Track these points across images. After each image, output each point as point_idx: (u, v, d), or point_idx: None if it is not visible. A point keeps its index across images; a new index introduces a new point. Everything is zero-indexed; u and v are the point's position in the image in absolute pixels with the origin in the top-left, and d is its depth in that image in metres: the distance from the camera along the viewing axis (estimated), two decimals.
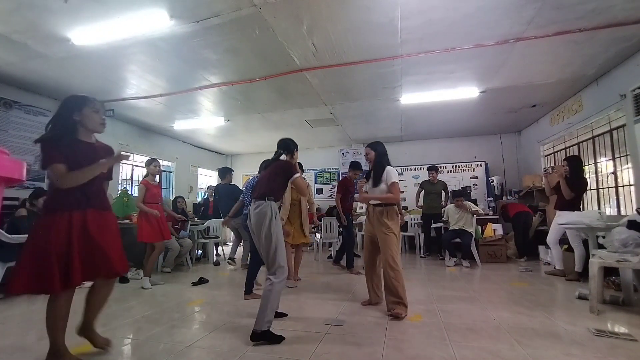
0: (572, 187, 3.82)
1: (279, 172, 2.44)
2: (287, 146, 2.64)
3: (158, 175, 4.10)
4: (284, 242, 2.29)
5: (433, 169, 5.77)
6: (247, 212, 2.68)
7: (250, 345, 2.03)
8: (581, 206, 4.07)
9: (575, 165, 3.95)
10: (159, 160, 4.11)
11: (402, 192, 4.80)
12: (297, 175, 2.43)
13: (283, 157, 2.58)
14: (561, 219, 3.83)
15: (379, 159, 2.81)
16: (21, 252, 1.69)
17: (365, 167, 6.43)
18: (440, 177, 5.90)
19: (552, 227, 4.11)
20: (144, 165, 6.04)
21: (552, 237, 4.09)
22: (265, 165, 2.71)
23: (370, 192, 2.83)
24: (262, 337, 2.06)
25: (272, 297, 2.11)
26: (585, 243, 3.72)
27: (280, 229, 2.28)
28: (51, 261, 1.63)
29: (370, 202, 2.86)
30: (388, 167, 2.75)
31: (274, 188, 2.38)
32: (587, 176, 4.72)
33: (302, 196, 2.51)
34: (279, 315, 2.51)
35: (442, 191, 5.84)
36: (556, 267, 4.10)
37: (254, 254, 3.16)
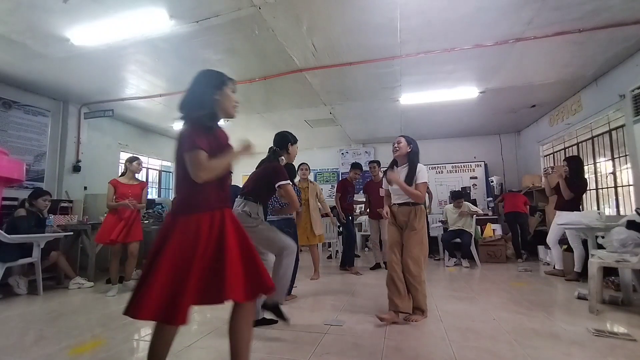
0: (571, 188, 3.82)
1: (265, 175, 2.39)
2: (280, 141, 2.53)
3: (139, 174, 3.84)
4: (273, 228, 2.36)
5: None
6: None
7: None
8: (581, 206, 4.07)
9: (575, 165, 3.95)
10: (140, 159, 3.89)
11: None
12: (283, 182, 2.31)
13: (282, 158, 2.50)
14: (561, 219, 3.84)
15: (414, 156, 2.62)
16: (152, 265, 1.28)
17: (365, 168, 6.46)
18: (440, 177, 5.90)
19: (552, 227, 4.12)
20: (144, 165, 6.01)
21: (552, 237, 4.10)
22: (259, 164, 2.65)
23: (395, 188, 2.59)
24: (273, 308, 2.17)
25: (282, 271, 2.26)
26: (584, 243, 3.72)
27: (261, 226, 2.30)
28: (190, 284, 1.24)
29: (395, 202, 2.65)
30: (420, 165, 2.58)
31: (256, 189, 2.37)
32: (586, 176, 4.74)
33: (292, 206, 2.43)
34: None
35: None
36: (556, 267, 4.11)
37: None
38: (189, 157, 1.33)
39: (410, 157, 2.62)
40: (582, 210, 4.19)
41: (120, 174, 3.88)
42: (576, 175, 3.91)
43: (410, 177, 2.55)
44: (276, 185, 2.31)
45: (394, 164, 2.74)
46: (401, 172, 2.61)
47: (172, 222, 1.34)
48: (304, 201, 4.06)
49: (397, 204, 2.64)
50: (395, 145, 2.67)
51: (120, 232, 3.51)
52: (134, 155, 4.05)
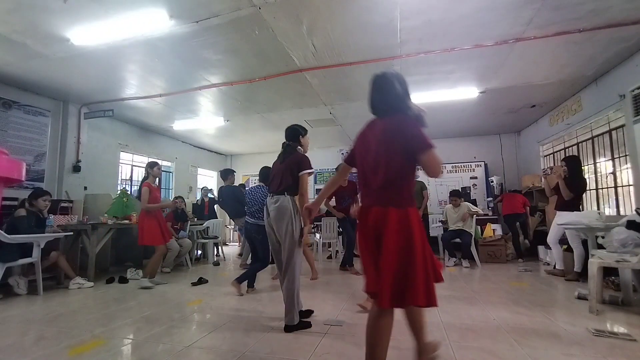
0: (570, 188, 3.82)
1: (294, 166, 2.42)
2: (293, 135, 2.58)
3: (158, 178, 4.12)
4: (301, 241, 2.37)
5: None
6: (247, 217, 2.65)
7: (249, 345, 2.03)
8: (581, 206, 4.07)
9: (573, 165, 3.95)
10: (159, 163, 4.13)
11: None
12: (306, 171, 2.39)
13: (299, 148, 2.56)
14: (560, 219, 3.84)
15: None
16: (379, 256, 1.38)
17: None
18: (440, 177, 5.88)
19: (552, 227, 4.12)
20: (143, 166, 6.03)
21: (552, 237, 4.10)
22: (280, 161, 2.60)
23: None
24: (297, 328, 2.29)
25: (293, 292, 2.30)
26: (584, 243, 3.73)
27: (299, 224, 2.35)
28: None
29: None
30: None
31: (290, 182, 2.39)
32: (586, 176, 4.74)
33: (301, 197, 2.43)
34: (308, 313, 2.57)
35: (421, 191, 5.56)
36: (556, 267, 4.11)
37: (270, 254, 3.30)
38: (429, 155, 1.40)
39: None
40: (582, 210, 4.20)
41: (143, 179, 4.03)
42: (575, 175, 3.90)
43: None
44: (300, 174, 2.38)
45: None
46: None
47: (381, 214, 1.39)
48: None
49: None
50: None
51: (169, 232, 3.99)
52: (154, 160, 4.28)
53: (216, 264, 5.56)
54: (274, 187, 2.46)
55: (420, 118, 1.52)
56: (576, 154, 5.03)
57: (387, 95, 1.57)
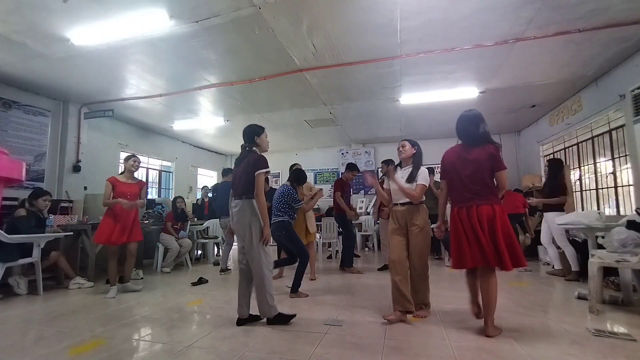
0: (552, 190, 3.93)
1: (251, 167, 2.38)
2: (249, 135, 2.52)
3: (135, 173, 3.77)
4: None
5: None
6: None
7: (249, 345, 2.04)
8: (580, 206, 4.08)
9: (554, 167, 4.05)
10: (137, 157, 3.80)
11: None
12: (261, 171, 2.34)
13: (254, 149, 2.50)
14: (560, 219, 3.84)
15: (418, 157, 2.69)
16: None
17: (364, 167, 6.44)
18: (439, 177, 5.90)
19: (543, 228, 4.16)
20: (143, 166, 6.02)
21: (545, 237, 4.14)
22: (236, 163, 2.60)
23: (396, 187, 2.67)
24: (277, 319, 2.38)
25: (267, 290, 2.36)
26: (574, 242, 3.84)
27: (259, 228, 2.36)
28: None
29: (397, 202, 2.66)
30: (422, 168, 2.64)
31: (248, 185, 2.36)
32: (574, 177, 4.84)
33: (257, 195, 2.36)
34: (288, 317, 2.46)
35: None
36: (555, 267, 4.11)
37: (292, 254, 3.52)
38: (504, 174, 2.22)
39: (415, 159, 2.69)
40: (568, 211, 4.28)
41: (120, 173, 3.85)
42: (554, 176, 4.01)
43: (412, 178, 2.60)
44: (255, 173, 2.34)
45: (399, 165, 2.81)
46: (405, 173, 2.67)
47: (492, 209, 2.15)
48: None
49: (399, 203, 2.65)
50: (400, 148, 2.73)
51: (120, 233, 3.48)
52: (131, 153, 3.94)
53: (216, 263, 5.56)
54: (235, 192, 2.46)
55: (499, 147, 2.30)
56: (558, 157, 4.99)
57: (477, 135, 2.29)
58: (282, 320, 2.41)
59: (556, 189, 3.94)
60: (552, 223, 3.87)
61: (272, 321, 2.39)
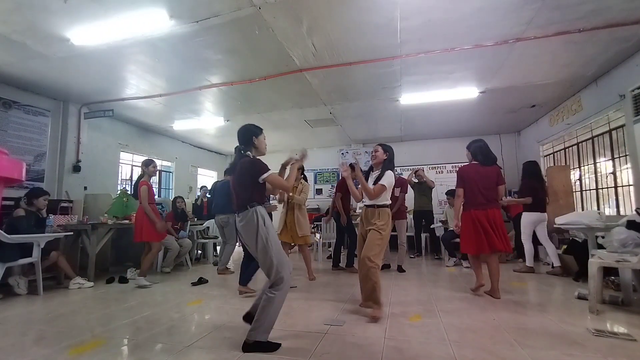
0: (523, 191, 4.25)
1: (245, 174, 2.10)
2: (245, 136, 2.20)
3: (135, 173, 4.08)
4: (281, 249, 2.08)
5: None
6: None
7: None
8: (580, 206, 4.09)
9: (527, 168, 4.41)
10: (155, 161, 4.09)
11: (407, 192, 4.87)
12: (267, 173, 2.07)
13: (248, 153, 2.18)
14: (559, 219, 3.85)
15: (388, 164, 2.79)
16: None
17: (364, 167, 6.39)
18: (440, 177, 5.95)
19: (522, 226, 4.35)
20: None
21: (524, 235, 4.33)
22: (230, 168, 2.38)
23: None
24: (255, 347, 1.91)
25: (272, 308, 1.94)
26: (579, 242, 3.88)
27: (273, 235, 2.07)
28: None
29: (364, 204, 2.85)
30: (388, 172, 2.74)
31: (249, 193, 2.08)
32: (573, 177, 5.14)
33: (285, 191, 2.15)
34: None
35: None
36: (528, 264, 4.28)
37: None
38: (503, 187, 3.18)
39: (384, 163, 2.81)
40: (568, 211, 4.55)
41: (140, 176, 4.00)
42: (523, 177, 4.40)
43: (378, 179, 2.74)
44: (261, 180, 2.07)
45: (368, 172, 2.94)
46: (375, 176, 2.82)
47: (490, 211, 3.08)
48: (291, 200, 4.03)
49: (365, 205, 2.82)
50: (373, 153, 2.87)
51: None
52: (149, 158, 4.10)
53: (216, 264, 5.56)
54: (236, 206, 2.14)
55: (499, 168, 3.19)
56: (533, 160, 4.99)
57: (491, 156, 3.23)
58: (264, 348, 1.93)
59: (523, 190, 4.32)
60: (523, 221, 4.29)
61: (249, 347, 1.92)
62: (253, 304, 2.21)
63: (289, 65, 4.09)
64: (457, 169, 3.48)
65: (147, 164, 3.97)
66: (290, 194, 3.91)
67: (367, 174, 2.93)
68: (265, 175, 2.07)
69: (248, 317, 2.15)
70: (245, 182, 2.10)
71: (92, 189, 5.49)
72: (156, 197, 7.13)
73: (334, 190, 4.92)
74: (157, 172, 4.13)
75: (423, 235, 6.01)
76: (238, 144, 2.22)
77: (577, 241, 3.98)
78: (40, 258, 3.51)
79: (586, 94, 4.82)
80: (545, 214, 4.20)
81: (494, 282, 3.06)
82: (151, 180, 4.05)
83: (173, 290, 3.69)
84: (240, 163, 2.15)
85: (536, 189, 4.20)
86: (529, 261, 4.26)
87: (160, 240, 3.94)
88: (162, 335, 2.25)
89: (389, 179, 2.69)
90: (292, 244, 4.13)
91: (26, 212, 3.69)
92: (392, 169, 2.79)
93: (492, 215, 3.04)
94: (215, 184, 5.56)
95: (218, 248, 6.47)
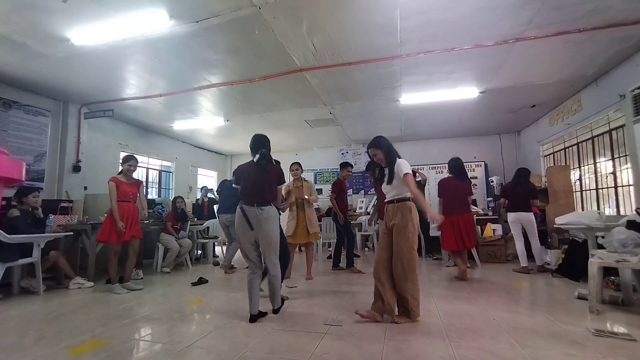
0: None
1: (275, 178, 2.69)
2: (266, 145, 2.72)
3: (135, 173, 3.87)
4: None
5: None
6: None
7: (249, 345, 2.04)
8: (580, 206, 4.09)
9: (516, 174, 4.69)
10: (136, 159, 3.86)
11: None
12: (284, 185, 2.79)
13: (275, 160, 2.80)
14: (559, 219, 3.86)
15: (388, 155, 2.56)
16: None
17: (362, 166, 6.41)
18: (440, 177, 5.95)
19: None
20: (143, 166, 6.03)
21: (514, 235, 4.46)
22: (246, 169, 2.70)
23: (386, 190, 2.59)
24: (280, 307, 2.73)
25: (277, 284, 2.68)
26: (579, 242, 3.89)
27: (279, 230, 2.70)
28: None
29: (385, 200, 2.63)
30: (399, 160, 2.50)
31: (274, 194, 2.66)
32: (573, 177, 5.21)
33: (276, 200, 2.76)
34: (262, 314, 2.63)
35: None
36: (552, 264, 4.30)
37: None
38: (471, 196, 4.28)
39: (388, 158, 2.57)
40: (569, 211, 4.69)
41: (118, 173, 3.88)
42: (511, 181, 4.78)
43: (392, 175, 2.52)
44: (279, 187, 2.76)
45: (382, 173, 2.71)
46: (386, 173, 2.61)
47: (464, 216, 4.09)
48: (298, 200, 4.11)
49: (386, 202, 2.63)
50: (374, 158, 2.66)
51: (122, 232, 3.56)
52: (130, 154, 3.95)
53: (216, 264, 5.56)
54: (259, 198, 2.58)
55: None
56: (526, 167, 5.05)
57: (463, 173, 4.19)
58: (283, 302, 2.82)
59: (501, 193, 4.87)
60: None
61: (278, 310, 2.70)
62: (253, 304, 2.54)
63: (288, 65, 4.09)
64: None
65: (125, 160, 3.76)
66: (306, 196, 4.16)
67: (381, 174, 2.71)
68: (281, 185, 2.77)
69: (254, 318, 2.52)
70: (273, 185, 2.67)
71: (92, 189, 5.49)
72: (156, 197, 7.19)
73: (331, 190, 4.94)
74: (135, 169, 3.87)
75: (420, 236, 6.00)
76: (262, 148, 2.66)
77: (577, 241, 3.99)
78: (40, 258, 3.51)
79: (586, 94, 4.82)
80: (523, 213, 4.34)
81: (462, 269, 3.90)
82: (133, 177, 3.82)
83: (173, 290, 3.69)
84: (274, 168, 2.72)
85: (506, 190, 4.62)
86: (522, 261, 4.33)
87: (116, 243, 3.58)
88: (162, 335, 2.25)
89: (403, 165, 2.45)
90: (300, 245, 4.32)
91: (21, 211, 3.65)
92: (397, 156, 2.57)
93: (465, 220, 4.02)
94: (223, 182, 5.55)
95: (218, 248, 6.48)
